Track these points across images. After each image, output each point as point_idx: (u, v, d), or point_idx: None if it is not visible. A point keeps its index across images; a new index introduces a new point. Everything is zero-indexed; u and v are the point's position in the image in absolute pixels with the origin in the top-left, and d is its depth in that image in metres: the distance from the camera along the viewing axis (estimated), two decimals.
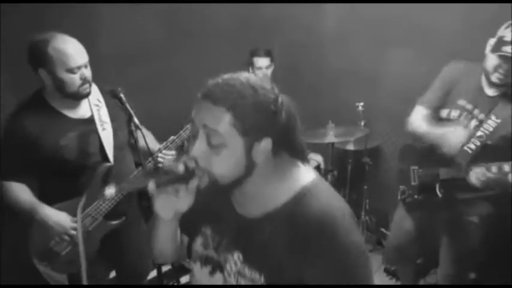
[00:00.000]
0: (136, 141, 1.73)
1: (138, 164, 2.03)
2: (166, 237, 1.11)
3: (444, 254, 2.29)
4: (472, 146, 1.98)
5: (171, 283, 2.75)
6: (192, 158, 0.97)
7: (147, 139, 2.10)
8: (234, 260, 1.05)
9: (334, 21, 3.50)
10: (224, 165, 0.96)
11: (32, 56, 1.77)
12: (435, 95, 2.15)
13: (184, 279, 2.78)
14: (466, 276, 2.41)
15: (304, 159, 1.05)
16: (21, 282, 2.19)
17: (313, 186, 1.02)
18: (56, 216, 1.83)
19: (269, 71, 3.35)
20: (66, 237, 1.86)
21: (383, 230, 3.26)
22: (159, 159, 1.97)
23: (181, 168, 0.96)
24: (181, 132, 2.02)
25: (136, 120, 1.76)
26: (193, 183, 0.97)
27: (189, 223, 1.12)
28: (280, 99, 0.97)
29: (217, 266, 1.09)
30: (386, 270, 3.01)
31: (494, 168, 1.84)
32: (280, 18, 3.54)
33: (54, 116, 1.85)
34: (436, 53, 2.74)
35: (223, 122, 0.92)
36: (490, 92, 2.00)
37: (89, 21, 2.30)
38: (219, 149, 0.94)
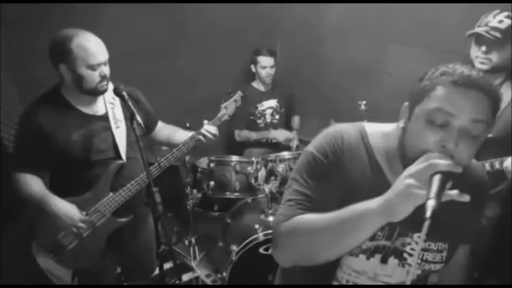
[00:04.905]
0: (138, 139, 1.73)
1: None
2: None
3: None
4: None
5: (172, 281, 2.76)
6: (451, 152, 0.93)
7: (176, 133, 2.21)
8: (415, 241, 1.11)
9: (336, 20, 3.50)
10: (473, 153, 0.99)
11: (54, 51, 1.79)
12: None
13: (186, 277, 2.78)
14: (473, 276, 2.40)
15: None
16: (21, 281, 2.19)
17: None
18: (65, 207, 1.84)
19: (273, 71, 3.37)
20: (74, 230, 1.87)
21: None
22: (203, 131, 2.12)
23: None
24: (228, 107, 2.29)
25: (138, 118, 1.75)
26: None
27: None
28: None
29: (391, 253, 1.13)
30: None
31: None
32: (282, 17, 3.54)
33: (69, 111, 1.87)
34: (439, 51, 2.73)
35: (488, 111, 0.96)
36: None
37: (92, 21, 2.32)
38: (478, 138, 0.97)
